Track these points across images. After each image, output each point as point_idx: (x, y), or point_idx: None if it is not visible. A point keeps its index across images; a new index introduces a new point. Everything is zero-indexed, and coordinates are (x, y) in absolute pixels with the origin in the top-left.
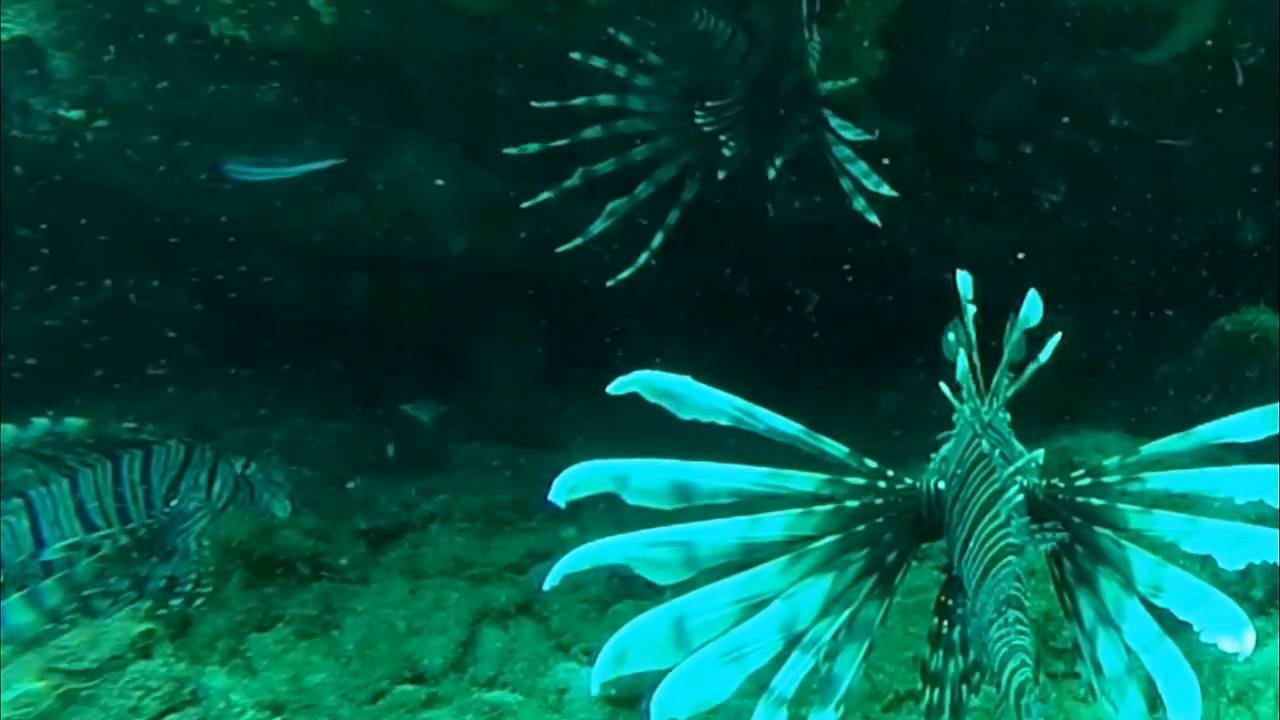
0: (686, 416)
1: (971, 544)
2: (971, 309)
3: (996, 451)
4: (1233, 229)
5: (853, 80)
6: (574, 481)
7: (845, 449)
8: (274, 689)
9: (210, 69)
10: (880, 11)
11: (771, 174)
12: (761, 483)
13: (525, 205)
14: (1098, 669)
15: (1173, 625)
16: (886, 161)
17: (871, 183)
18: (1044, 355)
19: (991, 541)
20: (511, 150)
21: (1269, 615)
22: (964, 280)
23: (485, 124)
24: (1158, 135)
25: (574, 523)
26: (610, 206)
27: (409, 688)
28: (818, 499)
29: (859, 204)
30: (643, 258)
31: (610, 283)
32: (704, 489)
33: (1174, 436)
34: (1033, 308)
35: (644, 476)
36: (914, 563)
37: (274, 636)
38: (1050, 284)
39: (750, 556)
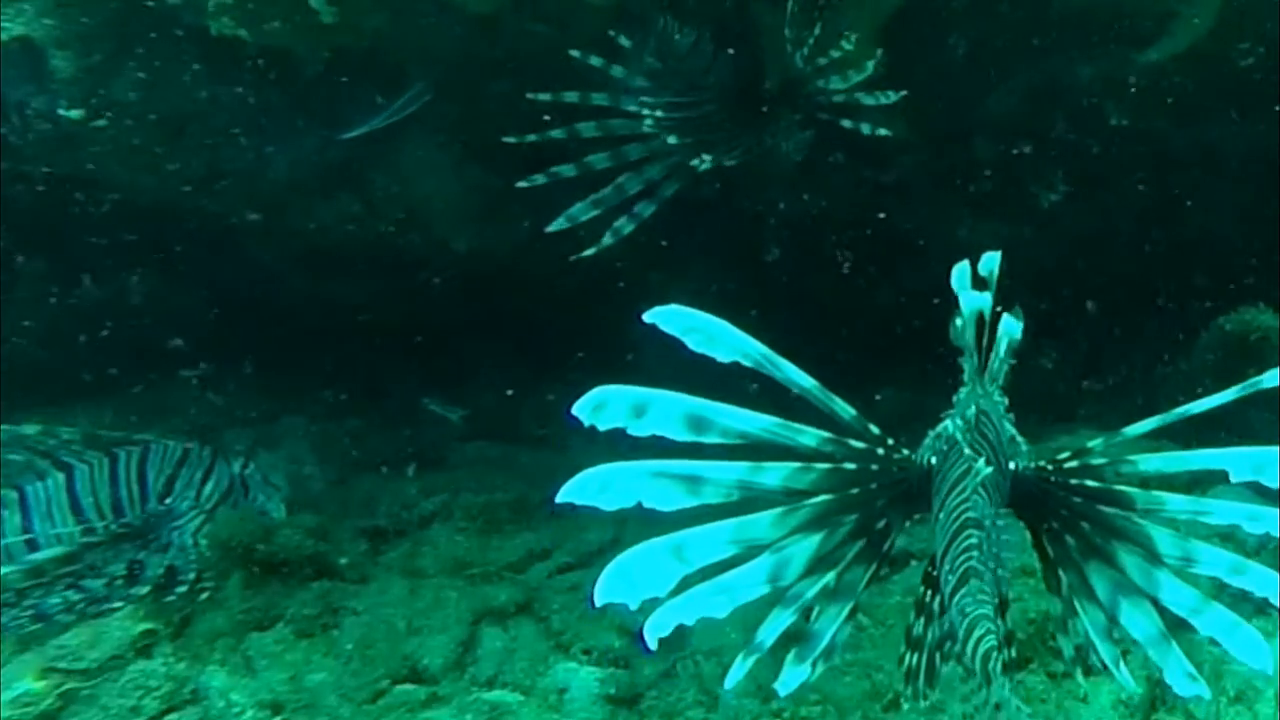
0: (715, 355)
1: (941, 515)
2: (985, 299)
3: (960, 430)
4: (1233, 229)
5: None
6: (598, 400)
7: (854, 411)
8: (274, 688)
9: (210, 69)
10: (880, 11)
11: (703, 166)
12: (771, 430)
13: (520, 184)
14: (1117, 638)
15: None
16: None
17: (873, 100)
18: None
19: (956, 514)
20: (510, 138)
21: (1269, 615)
22: (961, 271)
23: (485, 123)
24: (1157, 135)
25: (573, 521)
26: (594, 197)
27: (409, 687)
28: (819, 455)
29: (866, 128)
30: (607, 239)
31: (572, 258)
32: (717, 426)
33: (1154, 418)
34: (1010, 327)
35: (663, 404)
36: (912, 562)
37: (274, 636)
38: (1050, 282)
39: (748, 499)
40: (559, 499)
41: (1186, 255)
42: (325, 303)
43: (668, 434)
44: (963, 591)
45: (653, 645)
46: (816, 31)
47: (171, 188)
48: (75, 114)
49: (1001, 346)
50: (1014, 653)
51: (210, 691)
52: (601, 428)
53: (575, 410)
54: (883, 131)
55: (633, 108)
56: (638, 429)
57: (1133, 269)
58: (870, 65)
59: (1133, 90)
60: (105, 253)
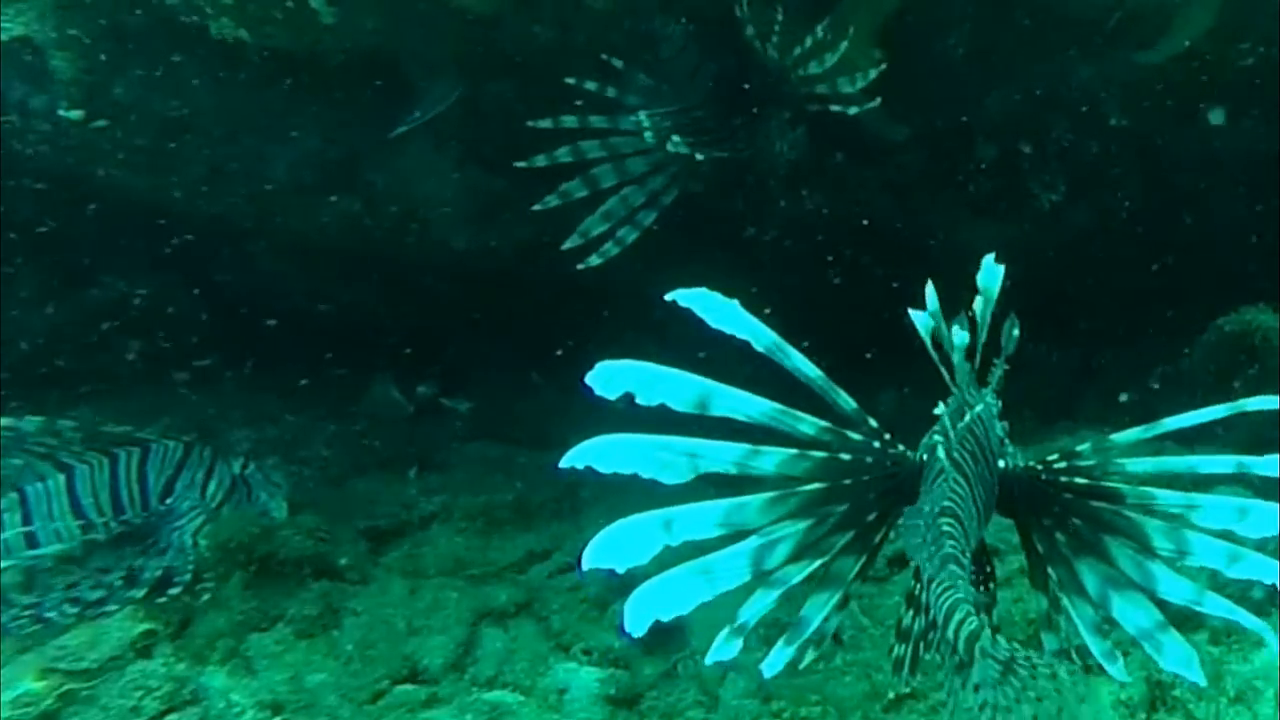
0: (730, 332)
1: (924, 508)
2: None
3: (945, 428)
4: (1233, 228)
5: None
6: (610, 373)
7: (854, 404)
8: (274, 689)
9: (210, 69)
10: (879, 11)
11: (674, 148)
12: (772, 415)
13: (535, 208)
14: (1108, 631)
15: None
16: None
17: (860, 80)
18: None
19: (934, 505)
20: (521, 164)
21: (1269, 615)
22: (990, 272)
23: (485, 124)
24: (1157, 135)
25: (573, 522)
26: (603, 210)
27: (409, 688)
28: (816, 444)
29: (853, 110)
30: (611, 249)
31: (580, 266)
32: (721, 406)
33: (1140, 427)
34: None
35: (673, 381)
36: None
37: (274, 636)
38: (1050, 282)
39: (744, 479)
40: (562, 464)
41: (1187, 255)
42: (325, 302)
43: (673, 406)
44: (940, 577)
45: (634, 633)
46: (780, 21)
47: (171, 188)
48: (75, 114)
49: (1004, 340)
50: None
51: (210, 692)
52: (611, 397)
53: (589, 380)
54: (870, 105)
55: (631, 124)
56: (645, 399)
57: (1133, 268)
58: (844, 45)
59: (1133, 91)
60: (101, 253)
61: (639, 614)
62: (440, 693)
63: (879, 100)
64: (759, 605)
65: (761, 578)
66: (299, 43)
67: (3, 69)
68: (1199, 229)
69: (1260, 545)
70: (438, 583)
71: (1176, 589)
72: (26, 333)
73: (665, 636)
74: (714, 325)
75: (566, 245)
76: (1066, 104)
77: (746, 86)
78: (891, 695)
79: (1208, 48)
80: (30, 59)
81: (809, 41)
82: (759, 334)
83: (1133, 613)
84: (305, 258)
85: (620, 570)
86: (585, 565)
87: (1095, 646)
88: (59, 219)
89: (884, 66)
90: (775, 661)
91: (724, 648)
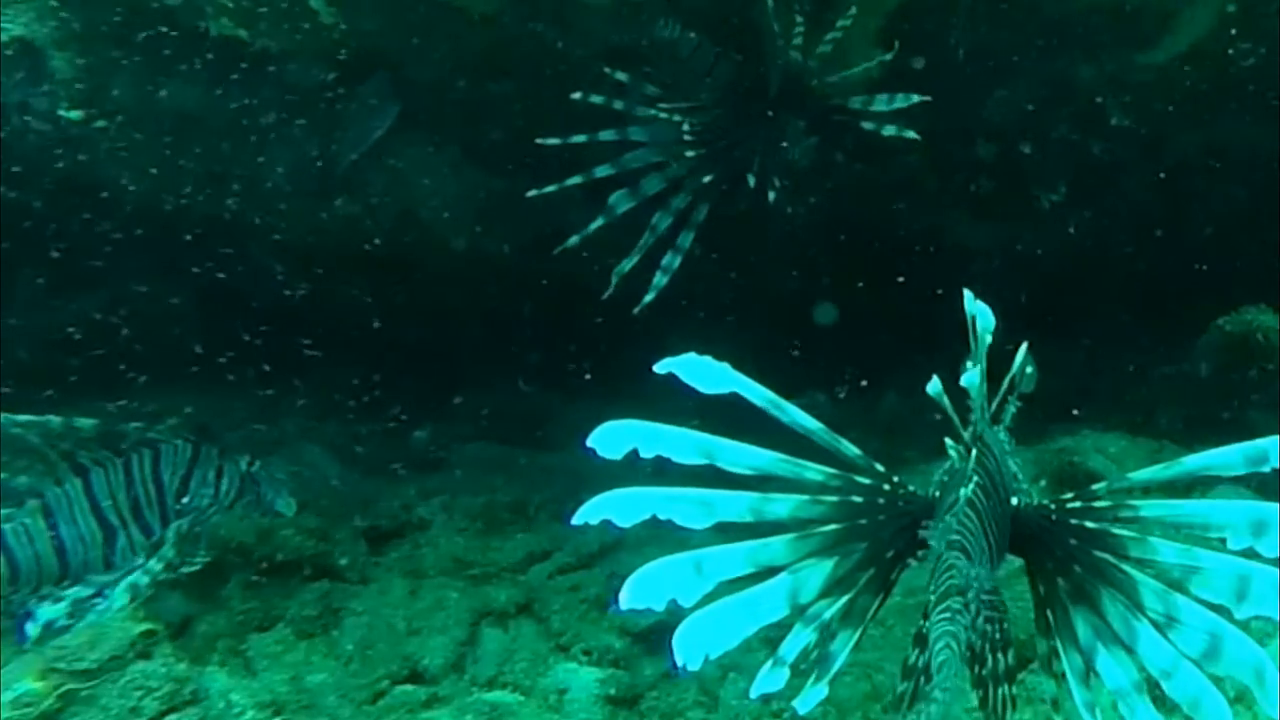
0: (724, 394)
1: (933, 543)
2: (987, 339)
3: (959, 462)
4: (1233, 228)
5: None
6: (611, 434)
7: (858, 450)
8: (274, 689)
9: (210, 69)
10: (880, 11)
11: (771, 195)
12: (776, 465)
13: (555, 251)
14: (1086, 680)
15: None
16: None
17: (899, 102)
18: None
19: (943, 539)
20: (532, 192)
21: (1270, 641)
22: (973, 304)
23: (485, 124)
24: (1157, 135)
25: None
26: (637, 246)
27: (409, 688)
28: (825, 489)
29: (889, 130)
30: (660, 280)
31: (635, 310)
32: (725, 460)
33: (1159, 466)
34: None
35: (675, 439)
36: (914, 563)
37: (274, 636)
38: (1050, 283)
39: (758, 526)
40: (575, 521)
41: (1187, 255)
42: (324, 303)
43: (678, 459)
44: (938, 610)
45: (694, 666)
46: (801, 21)
47: (170, 189)
48: (75, 115)
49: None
50: (1015, 690)
51: (210, 692)
52: (615, 457)
53: (590, 442)
54: (909, 134)
55: (639, 136)
56: (648, 452)
57: (1133, 269)
58: (874, 64)
59: (1134, 91)
60: (101, 253)
61: (690, 648)
62: (440, 693)
63: (916, 135)
64: (797, 641)
65: (798, 612)
66: (298, 42)
67: (3, 69)
68: (1200, 229)
69: None
70: (438, 583)
71: (1156, 654)
72: (25, 334)
73: (665, 637)
74: (706, 391)
75: (606, 295)
76: (1067, 104)
77: (765, 87)
78: (889, 696)
79: (1209, 47)
80: (30, 59)
81: (831, 42)
82: (754, 393)
83: (1114, 669)
84: (304, 258)
85: (658, 609)
86: (623, 606)
87: (1078, 696)
88: (57, 220)
89: (916, 99)
90: (810, 699)
91: (767, 681)
